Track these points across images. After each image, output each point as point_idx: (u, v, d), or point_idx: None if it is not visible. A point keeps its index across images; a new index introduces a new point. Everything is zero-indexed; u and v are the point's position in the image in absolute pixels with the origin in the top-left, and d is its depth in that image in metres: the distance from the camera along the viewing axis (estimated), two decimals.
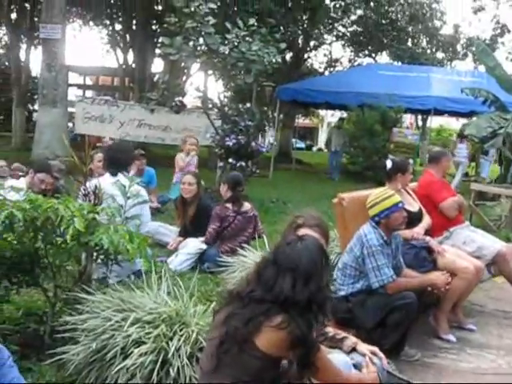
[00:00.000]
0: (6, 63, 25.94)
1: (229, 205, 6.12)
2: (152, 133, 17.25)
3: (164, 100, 10.32)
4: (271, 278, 2.44)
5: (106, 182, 4.43)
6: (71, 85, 28.26)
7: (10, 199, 3.51)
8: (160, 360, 2.97)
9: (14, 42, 22.18)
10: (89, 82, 32.81)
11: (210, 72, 15.98)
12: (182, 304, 3.42)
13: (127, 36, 24.33)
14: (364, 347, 3.14)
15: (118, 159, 4.99)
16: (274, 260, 2.51)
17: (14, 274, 3.79)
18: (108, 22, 24.89)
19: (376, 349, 3.17)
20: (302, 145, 40.54)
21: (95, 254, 3.70)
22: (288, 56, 23.09)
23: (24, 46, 23.21)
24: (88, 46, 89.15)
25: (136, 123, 16.87)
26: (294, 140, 26.93)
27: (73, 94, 24.25)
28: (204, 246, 6.06)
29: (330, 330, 3.21)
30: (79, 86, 30.97)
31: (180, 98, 10.47)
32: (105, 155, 5.22)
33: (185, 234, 6.59)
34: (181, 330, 3.10)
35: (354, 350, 3.12)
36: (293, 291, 2.38)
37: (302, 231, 3.29)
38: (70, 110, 18.77)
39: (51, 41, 14.05)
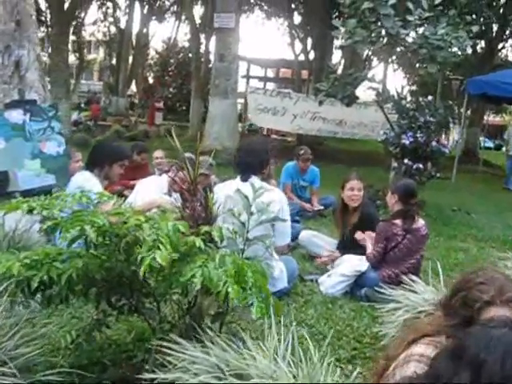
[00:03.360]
0: (190, 55, 26.71)
1: (397, 221, 4.91)
2: (326, 126, 16.58)
3: (334, 91, 9.23)
4: (444, 373, 1.46)
5: (231, 189, 3.56)
6: (252, 77, 28.49)
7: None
8: None
9: (195, 35, 22.62)
10: (270, 74, 32.90)
11: (390, 61, 14.63)
12: (311, 368, 2.41)
13: (307, 28, 23.74)
14: None
15: (248, 162, 4.12)
16: (453, 348, 1.55)
17: (113, 296, 3.08)
18: (287, 14, 24.53)
19: None
20: (490, 144, 37.23)
21: None
22: (479, 46, 20.84)
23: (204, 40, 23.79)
24: (269, 39, 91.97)
25: (309, 116, 16.26)
26: (481, 139, 24.45)
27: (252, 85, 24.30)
28: (363, 268, 4.93)
29: None
30: (260, 79, 31.13)
31: (352, 90, 9.31)
32: (235, 157, 4.37)
33: (343, 248, 5.60)
34: None
35: None
36: None
37: (493, 312, 1.97)
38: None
39: (225, 30, 13.81)
